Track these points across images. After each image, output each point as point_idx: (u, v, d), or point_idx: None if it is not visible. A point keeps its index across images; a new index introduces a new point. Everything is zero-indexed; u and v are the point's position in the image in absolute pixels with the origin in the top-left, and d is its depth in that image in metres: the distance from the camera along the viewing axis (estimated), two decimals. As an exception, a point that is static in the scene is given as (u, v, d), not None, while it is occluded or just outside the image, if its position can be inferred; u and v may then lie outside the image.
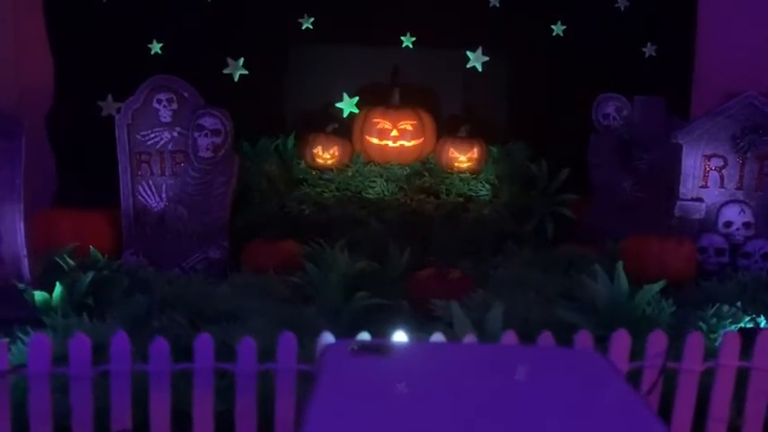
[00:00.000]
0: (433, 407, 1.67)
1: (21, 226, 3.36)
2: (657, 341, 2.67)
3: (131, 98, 4.41)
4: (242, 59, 5.49)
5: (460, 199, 4.82)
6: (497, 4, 5.55)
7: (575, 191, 4.97)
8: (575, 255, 4.34)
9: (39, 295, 3.28)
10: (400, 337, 2.40)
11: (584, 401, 1.75)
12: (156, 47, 5.50)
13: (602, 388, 1.83)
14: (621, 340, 2.65)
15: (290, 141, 5.31)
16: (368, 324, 3.28)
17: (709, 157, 4.11)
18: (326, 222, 4.67)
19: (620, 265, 3.50)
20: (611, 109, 4.88)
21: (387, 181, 4.87)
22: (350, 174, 4.93)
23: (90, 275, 3.49)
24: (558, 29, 5.61)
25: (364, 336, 2.35)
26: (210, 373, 2.36)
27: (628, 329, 2.89)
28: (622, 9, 5.62)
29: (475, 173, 4.98)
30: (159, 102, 4.42)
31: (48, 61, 5.45)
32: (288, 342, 2.39)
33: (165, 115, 4.43)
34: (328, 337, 2.32)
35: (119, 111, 5.45)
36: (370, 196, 4.81)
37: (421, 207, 4.73)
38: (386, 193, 4.83)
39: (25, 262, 3.40)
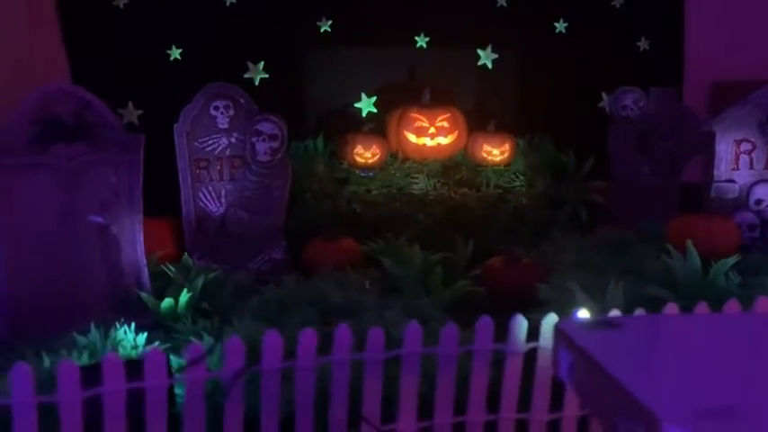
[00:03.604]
0: (728, 371, 1.84)
1: (140, 236, 3.41)
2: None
3: (189, 105, 4.43)
4: (262, 63, 5.59)
5: (499, 190, 5.08)
6: (504, 4, 5.85)
7: (597, 178, 5.33)
8: (616, 237, 4.66)
9: (166, 302, 3.33)
10: (585, 314, 2.64)
11: None
12: (175, 53, 5.52)
13: None
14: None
15: (320, 142, 5.44)
16: (460, 311, 3.54)
17: (739, 142, 4.52)
18: (377, 219, 4.84)
19: (690, 243, 3.85)
20: (629, 101, 5.25)
21: (428, 177, 5.07)
22: (392, 171, 5.09)
23: (201, 281, 3.56)
24: (560, 26, 5.96)
25: (554, 317, 2.58)
26: (418, 358, 2.55)
27: (708, 301, 3.21)
28: (618, 6, 6.03)
29: (507, 165, 5.25)
30: (216, 108, 4.46)
31: (64, 68, 5.38)
32: (485, 326, 2.60)
33: (223, 122, 4.47)
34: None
35: (139, 118, 5.51)
36: (415, 192, 5.00)
37: (464, 200, 4.96)
38: (428, 188, 5.03)
39: (145, 271, 3.44)
